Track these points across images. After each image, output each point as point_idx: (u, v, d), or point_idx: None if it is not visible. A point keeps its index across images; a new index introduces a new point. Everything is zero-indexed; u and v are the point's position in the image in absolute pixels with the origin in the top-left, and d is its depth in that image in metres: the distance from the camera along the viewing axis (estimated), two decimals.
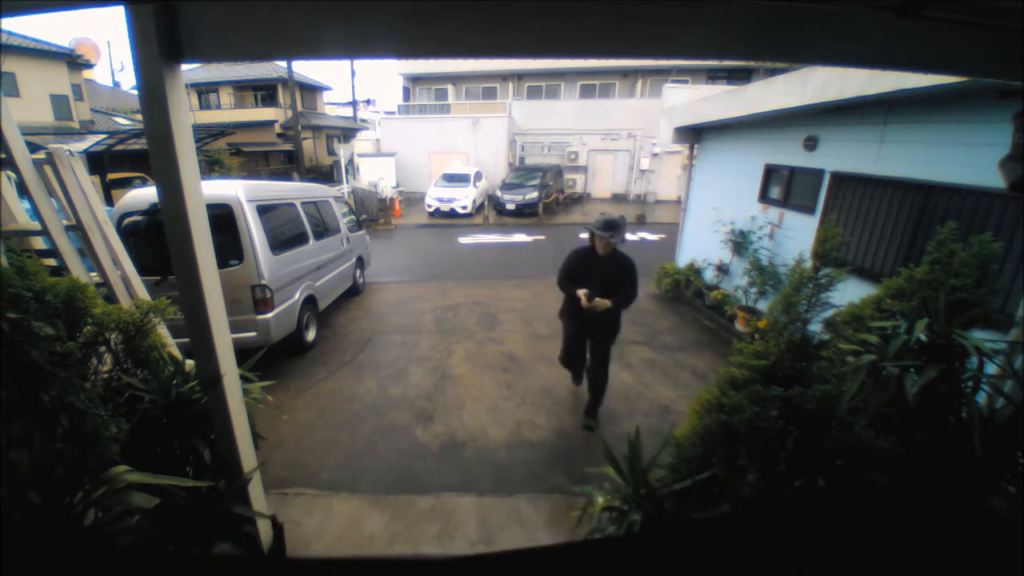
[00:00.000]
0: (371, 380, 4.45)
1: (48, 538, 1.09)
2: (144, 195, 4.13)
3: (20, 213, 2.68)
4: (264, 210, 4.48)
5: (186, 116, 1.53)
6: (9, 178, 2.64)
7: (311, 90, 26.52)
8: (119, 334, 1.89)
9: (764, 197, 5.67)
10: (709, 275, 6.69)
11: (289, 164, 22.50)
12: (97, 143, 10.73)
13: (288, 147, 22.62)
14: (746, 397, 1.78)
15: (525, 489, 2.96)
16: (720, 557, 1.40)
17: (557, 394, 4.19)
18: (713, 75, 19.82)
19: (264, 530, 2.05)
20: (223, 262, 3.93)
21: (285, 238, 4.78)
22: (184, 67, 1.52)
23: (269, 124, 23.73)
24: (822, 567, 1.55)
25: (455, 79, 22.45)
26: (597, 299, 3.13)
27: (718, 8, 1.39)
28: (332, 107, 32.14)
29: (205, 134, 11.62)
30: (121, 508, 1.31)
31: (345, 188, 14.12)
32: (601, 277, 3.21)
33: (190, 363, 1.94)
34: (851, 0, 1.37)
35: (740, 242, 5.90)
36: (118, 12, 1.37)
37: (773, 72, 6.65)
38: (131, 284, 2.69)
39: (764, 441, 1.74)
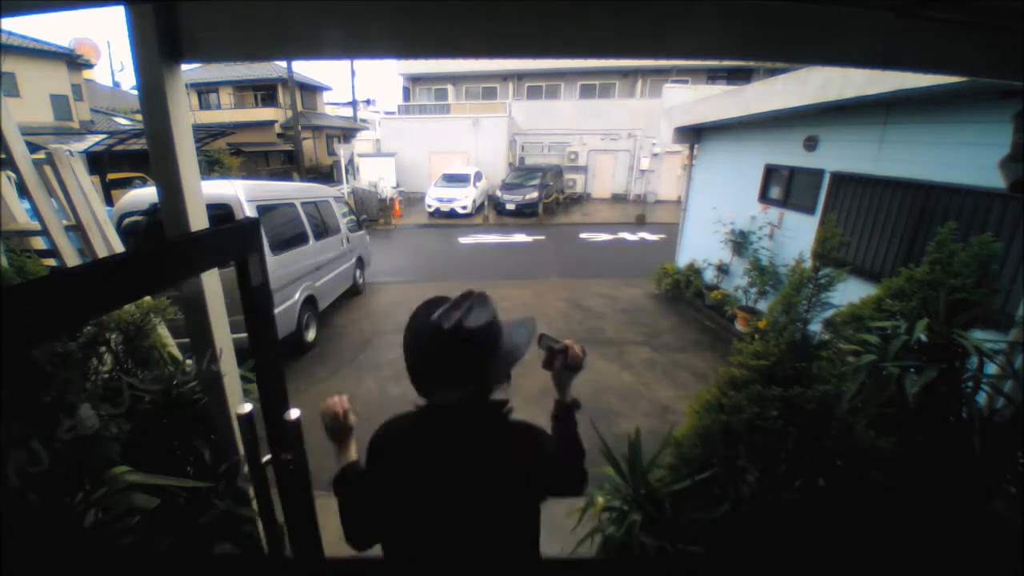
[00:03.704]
0: (371, 381, 4.45)
1: (48, 538, 1.09)
2: (144, 195, 4.13)
3: (20, 213, 2.68)
4: (264, 210, 4.48)
5: (186, 116, 1.53)
6: (9, 178, 2.64)
7: (311, 90, 26.51)
8: (119, 334, 1.89)
9: (764, 197, 5.67)
10: (709, 275, 6.69)
11: (289, 164, 22.49)
12: (97, 143, 10.73)
13: (288, 147, 22.61)
14: (746, 397, 1.78)
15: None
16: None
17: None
18: (713, 75, 19.81)
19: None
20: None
21: (285, 238, 4.78)
22: (184, 67, 1.52)
23: (269, 124, 23.73)
24: (822, 567, 1.55)
25: (455, 79, 22.45)
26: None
27: (718, 8, 1.39)
28: (332, 107, 32.13)
29: (205, 134, 11.63)
30: (122, 509, 1.31)
31: (345, 188, 14.12)
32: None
33: (190, 363, 1.94)
34: (851, 0, 1.37)
35: (740, 242, 5.90)
36: (118, 12, 1.37)
37: (773, 72, 6.65)
38: None
39: (764, 441, 1.74)
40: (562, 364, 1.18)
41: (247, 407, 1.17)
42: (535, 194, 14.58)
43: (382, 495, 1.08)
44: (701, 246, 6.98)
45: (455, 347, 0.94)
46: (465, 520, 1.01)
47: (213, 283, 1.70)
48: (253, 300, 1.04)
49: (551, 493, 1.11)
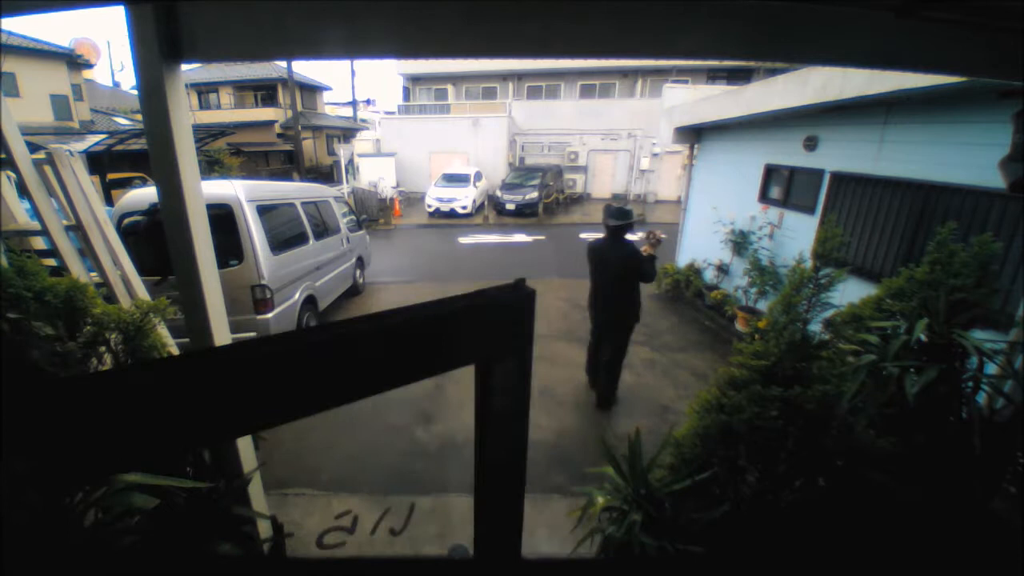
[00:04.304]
0: None
1: (48, 538, 1.09)
2: (144, 195, 4.12)
3: (20, 213, 2.68)
4: (264, 210, 4.47)
5: (186, 116, 1.53)
6: (9, 178, 2.64)
7: (311, 90, 26.50)
8: (119, 334, 1.89)
9: (764, 197, 5.67)
10: (709, 275, 6.69)
11: (289, 164, 22.47)
12: (97, 143, 10.71)
13: (288, 147, 22.59)
14: (746, 397, 1.78)
15: (525, 489, 2.96)
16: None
17: (557, 394, 4.19)
18: (713, 75, 19.81)
19: (264, 530, 2.05)
20: (223, 262, 3.92)
21: (285, 238, 4.78)
22: (184, 67, 1.53)
23: (269, 124, 23.71)
24: (822, 567, 1.55)
25: (455, 79, 22.44)
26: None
27: (718, 8, 1.39)
28: (332, 107, 32.11)
29: (205, 134, 11.61)
30: (121, 509, 1.31)
31: (345, 188, 14.12)
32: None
33: None
34: (851, 0, 1.37)
35: (740, 242, 5.90)
36: (118, 12, 1.37)
37: (773, 72, 6.64)
38: (131, 284, 2.69)
39: (764, 441, 1.74)
40: (650, 241, 3.69)
41: None
42: (535, 194, 14.57)
43: (591, 264, 3.85)
44: (701, 246, 6.98)
45: (613, 211, 3.64)
46: (612, 274, 3.66)
47: (213, 283, 1.70)
48: (491, 420, 0.55)
49: (639, 279, 3.63)
